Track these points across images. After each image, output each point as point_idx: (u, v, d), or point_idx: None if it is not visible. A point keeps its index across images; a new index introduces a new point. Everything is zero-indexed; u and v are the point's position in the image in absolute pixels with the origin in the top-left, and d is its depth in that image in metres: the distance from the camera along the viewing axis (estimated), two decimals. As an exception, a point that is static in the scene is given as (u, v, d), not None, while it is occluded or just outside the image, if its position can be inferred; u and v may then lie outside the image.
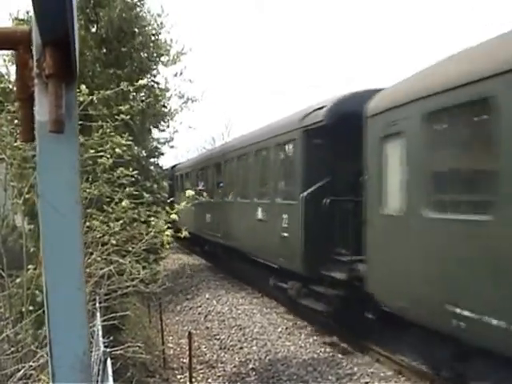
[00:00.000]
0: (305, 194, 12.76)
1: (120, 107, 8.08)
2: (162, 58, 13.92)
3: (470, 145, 8.03)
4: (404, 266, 9.10)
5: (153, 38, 13.77)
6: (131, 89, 8.58)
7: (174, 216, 8.46)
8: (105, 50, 13.10)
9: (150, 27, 13.80)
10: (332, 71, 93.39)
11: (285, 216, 13.95)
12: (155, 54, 13.77)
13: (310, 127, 13.04)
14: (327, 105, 12.70)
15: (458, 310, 7.44)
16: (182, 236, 9.35)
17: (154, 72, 14.12)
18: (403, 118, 9.07)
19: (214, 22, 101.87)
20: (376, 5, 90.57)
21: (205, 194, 9.39)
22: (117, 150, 7.71)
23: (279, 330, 13.50)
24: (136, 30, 13.38)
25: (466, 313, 7.30)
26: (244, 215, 17.46)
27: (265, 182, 16.22)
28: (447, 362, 8.64)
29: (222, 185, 21.25)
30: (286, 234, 13.82)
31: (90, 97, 7.10)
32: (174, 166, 32.48)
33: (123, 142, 7.83)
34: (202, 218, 22.80)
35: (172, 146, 16.22)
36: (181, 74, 14.20)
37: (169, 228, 8.45)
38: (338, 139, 11.84)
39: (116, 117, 8.00)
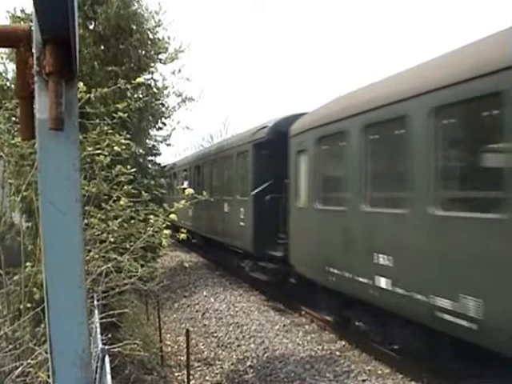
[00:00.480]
0: (254, 192, 16.62)
1: (117, 105, 8.06)
2: (160, 56, 13.87)
3: (335, 161, 12.47)
4: (306, 243, 13.34)
5: (150, 35, 13.72)
6: (129, 87, 8.56)
7: (172, 216, 8.44)
8: (103, 48, 13.06)
9: (148, 24, 13.75)
10: (331, 69, 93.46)
11: (242, 209, 17.69)
12: (153, 52, 13.72)
13: (257, 141, 17.00)
14: (268, 125, 16.82)
15: (331, 269, 11.58)
16: (180, 238, 9.32)
17: (152, 69, 14.08)
18: (306, 140, 13.24)
19: (212, 20, 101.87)
20: (377, 2, 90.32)
21: (204, 192, 9.44)
22: (115, 148, 7.69)
23: (277, 327, 13.52)
24: (134, 27, 13.32)
25: (335, 270, 11.40)
26: (216, 210, 20.69)
27: (229, 183, 20.04)
28: (336, 309, 12.59)
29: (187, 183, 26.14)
30: (242, 224, 17.53)
31: (88, 95, 7.08)
32: (164, 167, 33.26)
33: (122, 140, 7.82)
34: (186, 212, 24.74)
35: (169, 144, 16.16)
36: (179, 71, 14.18)
37: (167, 227, 8.43)
38: (276, 151, 15.37)
39: (114, 115, 7.98)
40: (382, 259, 9.55)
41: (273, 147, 15.76)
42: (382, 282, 9.55)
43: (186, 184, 26.35)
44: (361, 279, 10.31)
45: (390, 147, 10.17)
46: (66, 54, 1.37)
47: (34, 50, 1.42)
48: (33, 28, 1.41)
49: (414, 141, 8.64)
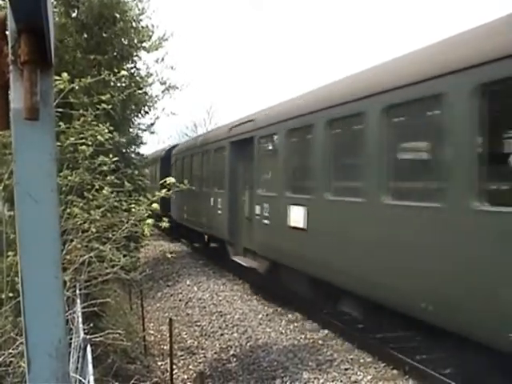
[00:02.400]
0: (160, 182, 25.49)
1: (101, 96, 8.00)
2: (144, 44, 13.78)
3: (182, 168, 26.85)
4: (176, 207, 26.40)
5: (134, 23, 13.62)
6: (113, 78, 8.50)
7: (155, 205, 8.38)
8: (85, 36, 12.96)
9: (132, 13, 13.64)
10: (318, 61, 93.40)
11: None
12: (136, 40, 13.62)
13: (162, 156, 30.87)
14: (166, 148, 31.41)
15: (185, 216, 24.92)
16: (163, 227, 9.27)
17: (135, 58, 13.98)
18: (174, 158, 28.38)
19: (206, 10, 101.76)
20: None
21: (186, 181, 9.37)
22: (99, 137, 7.65)
23: (260, 316, 13.56)
24: (117, 15, 13.22)
25: (189, 217, 24.43)
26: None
27: (153, 178, 29.60)
28: (188, 237, 26.37)
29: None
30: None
31: (71, 85, 7.02)
32: (146, 157, 40.01)
33: (105, 131, 7.78)
34: None
35: (153, 132, 16.06)
36: (162, 60, 14.09)
37: (149, 217, 8.38)
38: (170, 162, 28.93)
39: (97, 106, 7.93)
40: (186, 208, 24.23)
41: (169, 160, 29.23)
42: (186, 215, 24.31)
43: None
44: (185, 216, 24.27)
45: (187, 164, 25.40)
46: (41, 44, 1.35)
47: (8, 39, 1.40)
48: (8, 16, 1.39)
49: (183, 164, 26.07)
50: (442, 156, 7.99)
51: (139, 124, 15.70)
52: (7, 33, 1.42)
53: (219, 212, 18.66)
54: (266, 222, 14.11)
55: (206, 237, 21.76)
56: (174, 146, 30.77)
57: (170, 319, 9.71)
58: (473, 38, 7.75)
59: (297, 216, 12.08)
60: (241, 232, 16.91)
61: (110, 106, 8.05)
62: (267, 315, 13.65)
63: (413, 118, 9.16)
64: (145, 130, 15.98)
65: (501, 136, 8.85)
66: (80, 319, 6.08)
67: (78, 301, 6.72)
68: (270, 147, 14.81)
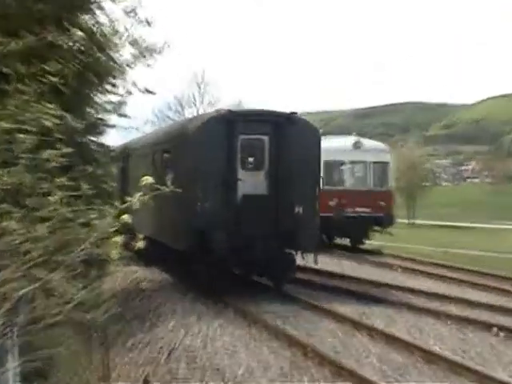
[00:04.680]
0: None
1: (45, 66, 7.94)
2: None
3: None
4: None
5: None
6: (63, 38, 8.45)
7: (125, 217, 8.26)
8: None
9: None
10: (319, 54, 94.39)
11: None
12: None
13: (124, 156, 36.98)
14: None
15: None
16: (136, 248, 9.01)
17: (95, 7, 13.79)
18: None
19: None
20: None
21: (168, 182, 9.26)
22: (45, 122, 7.61)
23: (271, 372, 13.42)
24: None
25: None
26: None
27: None
28: None
29: None
30: None
31: (2, 47, 6.98)
32: (113, 150, 46.95)
33: (52, 111, 7.72)
34: None
35: (121, 115, 15.94)
36: (134, 11, 13.97)
37: (118, 233, 8.30)
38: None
39: (41, 79, 7.87)
40: None
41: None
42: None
43: None
44: None
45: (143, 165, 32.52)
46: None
47: None
48: None
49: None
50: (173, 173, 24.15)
51: (103, 103, 15.61)
52: None
53: None
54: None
55: None
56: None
57: (146, 378, 9.66)
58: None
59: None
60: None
61: (62, 80, 8.00)
62: (281, 370, 13.49)
63: (165, 156, 25.89)
64: (111, 112, 15.89)
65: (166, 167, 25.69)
66: (17, 378, 6.03)
67: (15, 353, 6.67)
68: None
